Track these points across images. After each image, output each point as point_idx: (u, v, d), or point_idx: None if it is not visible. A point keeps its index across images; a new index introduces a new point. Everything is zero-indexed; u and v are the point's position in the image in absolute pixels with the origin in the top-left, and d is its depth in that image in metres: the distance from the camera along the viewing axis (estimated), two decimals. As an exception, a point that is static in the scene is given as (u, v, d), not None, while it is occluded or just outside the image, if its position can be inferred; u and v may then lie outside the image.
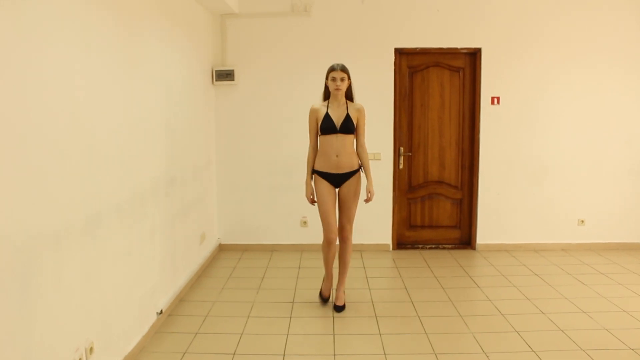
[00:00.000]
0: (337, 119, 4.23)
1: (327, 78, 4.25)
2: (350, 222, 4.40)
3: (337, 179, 4.31)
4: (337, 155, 4.23)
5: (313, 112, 4.33)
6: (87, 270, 2.92)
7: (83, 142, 2.87)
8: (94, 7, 3.03)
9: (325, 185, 4.31)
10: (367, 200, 4.37)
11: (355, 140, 4.35)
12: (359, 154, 4.37)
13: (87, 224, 2.90)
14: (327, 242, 4.35)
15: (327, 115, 4.24)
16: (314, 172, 4.36)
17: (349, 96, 4.33)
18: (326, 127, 4.22)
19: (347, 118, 4.22)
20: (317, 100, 4.42)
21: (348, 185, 4.32)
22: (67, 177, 2.71)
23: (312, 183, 4.38)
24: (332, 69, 4.20)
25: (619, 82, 6.00)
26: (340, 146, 4.23)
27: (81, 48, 2.87)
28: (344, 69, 4.18)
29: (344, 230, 4.40)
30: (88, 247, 2.92)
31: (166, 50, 4.36)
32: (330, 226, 4.31)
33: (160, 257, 4.16)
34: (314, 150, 4.38)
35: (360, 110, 4.31)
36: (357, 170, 4.34)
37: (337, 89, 4.19)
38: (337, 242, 4.38)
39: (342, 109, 4.27)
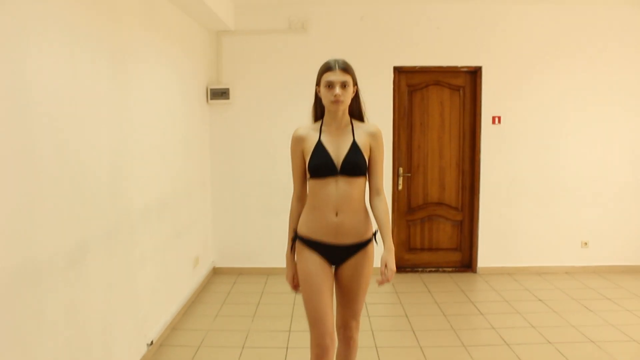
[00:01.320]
0: (337, 151, 2.66)
1: (318, 83, 2.69)
2: (357, 317, 2.81)
3: (335, 253, 2.71)
4: (336, 214, 2.64)
5: (297, 141, 2.76)
6: (72, 303, 2.74)
7: (68, 166, 2.71)
8: (83, 24, 2.88)
9: (315, 261, 2.69)
10: (382, 282, 2.61)
11: (367, 185, 2.77)
12: (374, 209, 2.75)
13: (72, 254, 2.73)
14: (320, 352, 2.65)
15: (319, 146, 2.67)
16: (298, 238, 2.77)
17: (355, 113, 2.79)
18: (318, 165, 2.64)
19: (354, 149, 2.65)
20: (305, 122, 2.87)
21: (354, 264, 2.72)
22: (51, 203, 2.54)
23: (296, 256, 2.80)
24: (327, 68, 2.64)
25: (623, 102, 5.89)
26: (343, 197, 2.64)
27: (69, 66, 2.72)
28: (346, 68, 2.63)
29: (346, 329, 2.81)
30: (73, 279, 2.75)
31: (160, 68, 4.22)
32: (323, 327, 2.64)
33: (151, 284, 3.99)
34: (300, 202, 2.82)
35: (375, 136, 2.72)
36: (369, 241, 2.75)
37: (336, 102, 2.61)
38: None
39: (345, 134, 2.71)
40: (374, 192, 2.75)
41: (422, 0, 5.67)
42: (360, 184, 2.68)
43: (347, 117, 2.74)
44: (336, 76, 2.60)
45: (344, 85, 2.61)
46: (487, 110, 5.88)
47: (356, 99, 2.77)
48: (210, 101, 5.75)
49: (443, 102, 5.97)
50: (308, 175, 2.72)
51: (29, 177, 2.36)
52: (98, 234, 3.06)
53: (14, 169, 2.26)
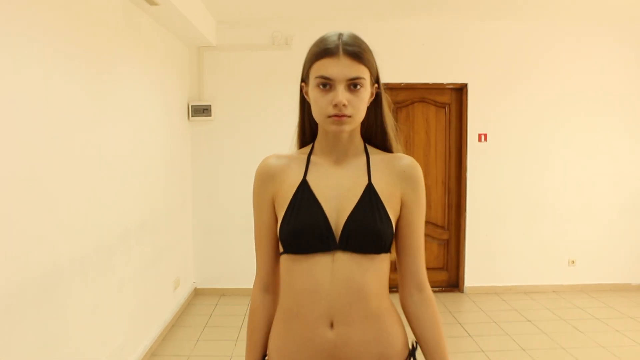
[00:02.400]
0: (337, 202, 1.49)
1: (306, 77, 1.53)
2: None
3: None
4: (332, 324, 1.45)
5: (265, 179, 1.61)
6: (45, 334, 2.58)
7: (40, 187, 2.56)
8: (60, 39, 2.75)
9: None
10: None
11: (398, 269, 1.62)
12: (415, 319, 1.59)
13: (43, 282, 2.58)
14: None
15: (303, 192, 1.51)
16: None
17: (377, 134, 1.63)
18: (300, 229, 1.47)
19: (369, 200, 1.48)
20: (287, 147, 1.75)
21: None
22: (20, 229, 2.39)
23: None
24: (323, 50, 1.47)
25: (609, 120, 5.87)
26: (346, 293, 1.45)
27: (44, 82, 2.59)
28: (358, 53, 1.47)
29: None
30: (45, 308, 2.59)
31: (140, 85, 4.09)
32: None
33: (130, 309, 3.82)
34: (268, 297, 1.64)
35: (411, 177, 1.54)
36: None
37: (339, 117, 1.43)
38: None
39: (352, 171, 1.54)
40: (414, 286, 1.59)
41: (406, 17, 5.60)
42: (379, 268, 1.49)
43: (359, 141, 1.59)
44: (339, 68, 1.43)
45: (354, 86, 1.44)
46: (473, 127, 5.82)
47: (378, 109, 1.61)
48: (191, 118, 5.62)
49: (429, 120, 5.90)
50: (281, 249, 1.56)
51: (-4, 201, 2.22)
52: (73, 259, 2.90)
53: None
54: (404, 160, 1.57)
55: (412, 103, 5.88)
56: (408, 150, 5.51)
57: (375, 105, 1.60)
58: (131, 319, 3.84)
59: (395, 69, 5.76)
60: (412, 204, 1.54)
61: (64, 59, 2.84)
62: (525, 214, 5.92)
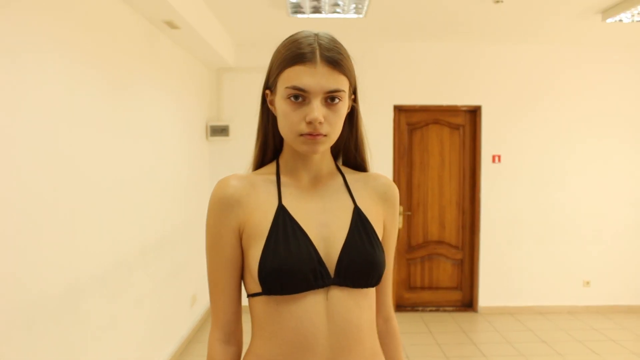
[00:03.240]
0: (325, 231, 1.28)
1: (271, 84, 1.36)
2: None
3: None
4: None
5: (227, 206, 1.35)
6: (64, 348, 2.66)
7: (63, 205, 2.66)
8: (85, 59, 2.87)
9: None
10: None
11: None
12: (383, 346, 1.41)
13: (64, 299, 2.66)
14: None
15: (285, 220, 1.26)
16: None
17: (349, 152, 1.45)
18: (289, 268, 1.21)
19: (361, 227, 1.30)
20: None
21: None
22: (42, 245, 2.48)
23: None
24: (296, 54, 1.26)
25: (625, 141, 5.91)
26: (345, 335, 1.23)
27: (68, 100, 2.70)
28: (337, 61, 1.26)
29: None
30: (65, 325, 2.67)
31: (159, 105, 4.21)
32: None
33: (147, 325, 3.90)
34: (229, 349, 1.36)
35: (390, 199, 1.42)
36: None
37: (314, 136, 1.23)
38: None
39: (331, 193, 1.35)
40: (381, 317, 1.45)
41: (421, 39, 5.70)
42: (372, 304, 1.33)
43: (330, 158, 1.41)
44: (316, 78, 1.22)
45: (332, 99, 1.24)
46: (487, 148, 5.88)
47: (353, 124, 1.44)
48: (210, 138, 5.73)
49: (443, 141, 5.97)
50: (253, 289, 1.32)
51: (21, 216, 2.32)
52: (93, 275, 2.99)
53: (4, 208, 2.21)
54: (381, 179, 1.42)
55: (427, 125, 5.95)
56: (422, 171, 5.59)
57: (350, 119, 1.40)
58: (149, 335, 3.91)
59: (410, 91, 5.85)
60: (390, 229, 1.41)
61: (88, 78, 2.95)
62: (539, 234, 5.93)
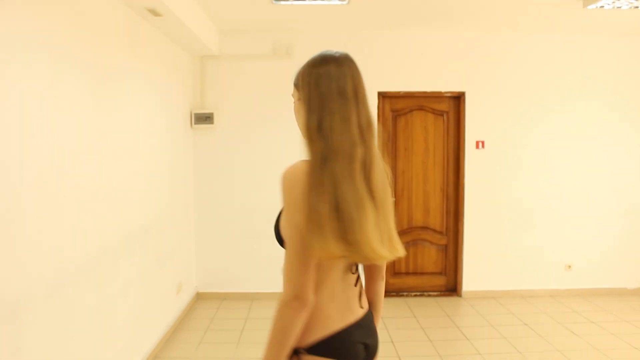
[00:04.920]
0: None
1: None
2: None
3: None
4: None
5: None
6: (50, 336, 2.68)
7: (46, 193, 2.66)
8: (65, 49, 2.86)
9: None
10: None
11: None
12: None
13: (50, 285, 2.67)
14: None
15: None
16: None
17: None
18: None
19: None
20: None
21: None
22: (28, 233, 2.49)
23: None
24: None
25: (606, 125, 5.99)
26: None
27: (51, 91, 2.69)
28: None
29: None
30: (51, 311, 2.69)
31: (144, 93, 4.20)
32: None
33: (133, 312, 3.92)
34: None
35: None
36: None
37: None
38: None
39: None
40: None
41: (405, 27, 5.71)
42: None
43: None
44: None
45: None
46: (471, 135, 5.93)
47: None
48: (194, 126, 5.73)
49: (427, 127, 6.00)
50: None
51: (5, 205, 2.32)
52: (78, 262, 3.00)
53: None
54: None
55: (411, 111, 5.98)
56: (406, 158, 5.65)
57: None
58: (135, 322, 3.94)
59: (394, 77, 5.87)
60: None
61: (68, 66, 2.94)
62: (522, 219, 6.01)
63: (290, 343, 1.57)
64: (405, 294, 6.11)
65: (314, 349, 1.62)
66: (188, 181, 5.68)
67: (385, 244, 1.64)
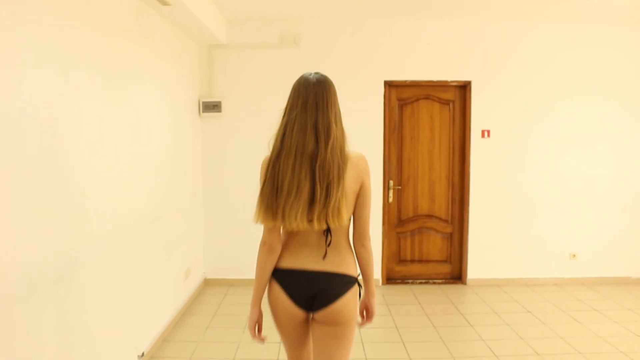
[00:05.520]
0: None
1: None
2: None
3: None
4: None
5: None
6: (63, 316, 2.77)
7: (60, 180, 2.74)
8: (75, 39, 2.93)
9: None
10: None
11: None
12: None
13: (62, 268, 2.75)
14: None
15: None
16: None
17: None
18: None
19: None
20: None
21: None
22: (41, 219, 2.57)
23: None
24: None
25: (612, 115, 6.00)
26: None
27: (61, 80, 2.76)
28: None
29: None
30: (63, 294, 2.77)
31: (152, 82, 4.26)
32: None
33: (143, 296, 4.01)
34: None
35: None
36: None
37: None
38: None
39: None
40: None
41: (411, 16, 5.74)
42: None
43: None
44: None
45: None
46: (477, 124, 5.96)
47: None
48: (202, 114, 5.80)
49: (433, 116, 6.04)
50: None
51: (20, 190, 2.39)
52: (89, 248, 3.08)
53: (3, 183, 2.29)
54: None
55: (417, 100, 6.02)
56: (412, 146, 5.70)
57: None
58: (144, 306, 4.02)
59: (400, 66, 5.91)
60: None
61: (78, 56, 3.01)
62: (527, 208, 6.05)
63: (264, 269, 2.36)
64: (410, 281, 6.18)
65: (274, 273, 2.37)
66: (196, 168, 5.76)
67: (318, 218, 2.17)
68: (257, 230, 6.17)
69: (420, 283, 6.16)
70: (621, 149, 6.04)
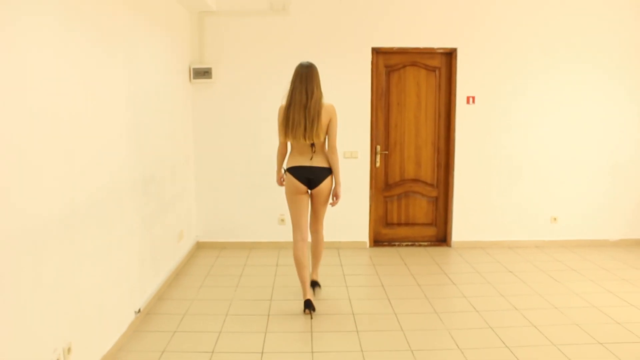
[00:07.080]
0: None
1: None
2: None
3: None
4: None
5: None
6: (65, 270, 2.91)
7: (59, 140, 2.86)
8: (72, 8, 3.01)
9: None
10: None
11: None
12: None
13: (63, 224, 2.89)
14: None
15: None
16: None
17: None
18: None
19: None
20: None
21: None
22: (44, 175, 2.69)
23: None
24: None
25: (598, 83, 6.15)
26: None
27: (58, 47, 2.86)
28: None
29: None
30: (65, 248, 2.91)
31: (142, 48, 4.34)
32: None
33: (139, 255, 4.16)
34: None
35: None
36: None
37: None
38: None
39: None
40: None
41: (399, -18, 5.83)
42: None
43: None
44: None
45: None
46: (462, 90, 6.09)
47: None
48: (193, 80, 5.88)
49: (419, 83, 6.16)
50: None
51: (22, 151, 2.51)
52: (88, 202, 3.21)
53: (5, 143, 2.41)
54: None
55: (404, 67, 6.13)
56: (399, 112, 5.84)
57: None
58: (140, 264, 4.18)
59: (388, 33, 6.00)
60: None
61: (67, 24, 3.10)
62: (510, 173, 6.23)
63: (280, 161, 4.44)
64: (397, 244, 6.37)
65: (288, 169, 4.29)
66: (188, 134, 5.87)
67: (307, 137, 4.08)
68: (247, 197, 6.74)
69: (407, 245, 6.36)
70: (606, 117, 6.19)
